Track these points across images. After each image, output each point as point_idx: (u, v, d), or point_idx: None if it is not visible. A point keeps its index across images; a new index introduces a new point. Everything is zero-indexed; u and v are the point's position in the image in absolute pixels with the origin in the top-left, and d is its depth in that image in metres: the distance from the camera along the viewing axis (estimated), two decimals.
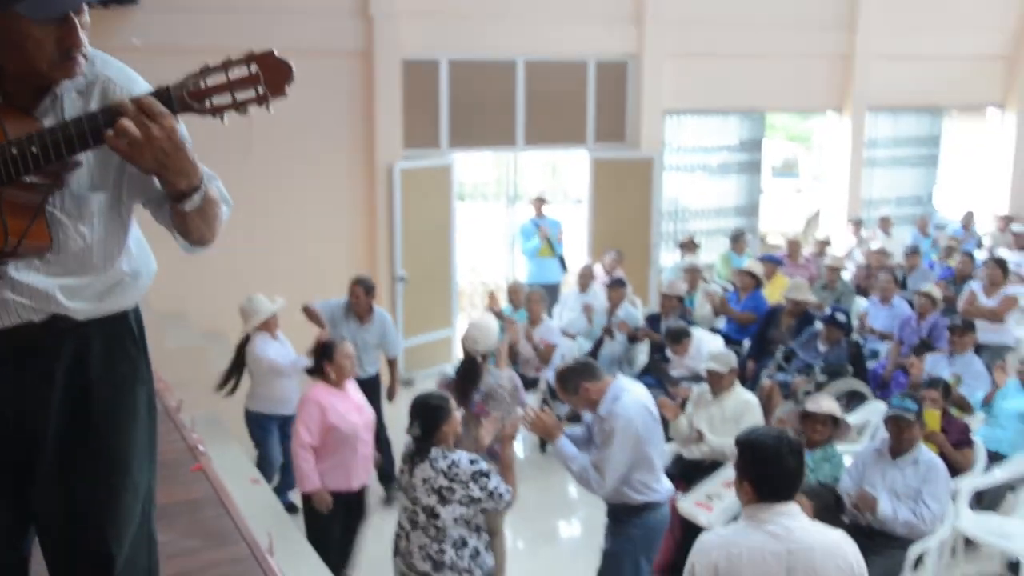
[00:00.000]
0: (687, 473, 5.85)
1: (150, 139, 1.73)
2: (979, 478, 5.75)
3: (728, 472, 5.70)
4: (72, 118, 1.80)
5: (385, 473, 6.71)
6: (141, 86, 1.95)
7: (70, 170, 1.87)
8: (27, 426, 1.98)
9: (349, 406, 5.20)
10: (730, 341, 8.40)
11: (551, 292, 9.31)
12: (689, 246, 10.59)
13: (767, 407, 6.99)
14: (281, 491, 6.34)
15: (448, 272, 9.69)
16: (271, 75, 1.76)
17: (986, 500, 5.99)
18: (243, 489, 5.00)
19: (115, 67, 1.97)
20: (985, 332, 7.92)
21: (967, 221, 12.76)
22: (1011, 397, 6.32)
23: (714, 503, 5.49)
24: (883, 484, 5.05)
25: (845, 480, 5.20)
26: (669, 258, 11.24)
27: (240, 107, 1.78)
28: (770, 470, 3.06)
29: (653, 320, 8.36)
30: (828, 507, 4.23)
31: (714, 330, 8.70)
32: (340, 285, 6.80)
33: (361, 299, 6.59)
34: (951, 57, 12.77)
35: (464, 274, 11.98)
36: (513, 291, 8.61)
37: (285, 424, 6.25)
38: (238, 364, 6.26)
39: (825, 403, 5.33)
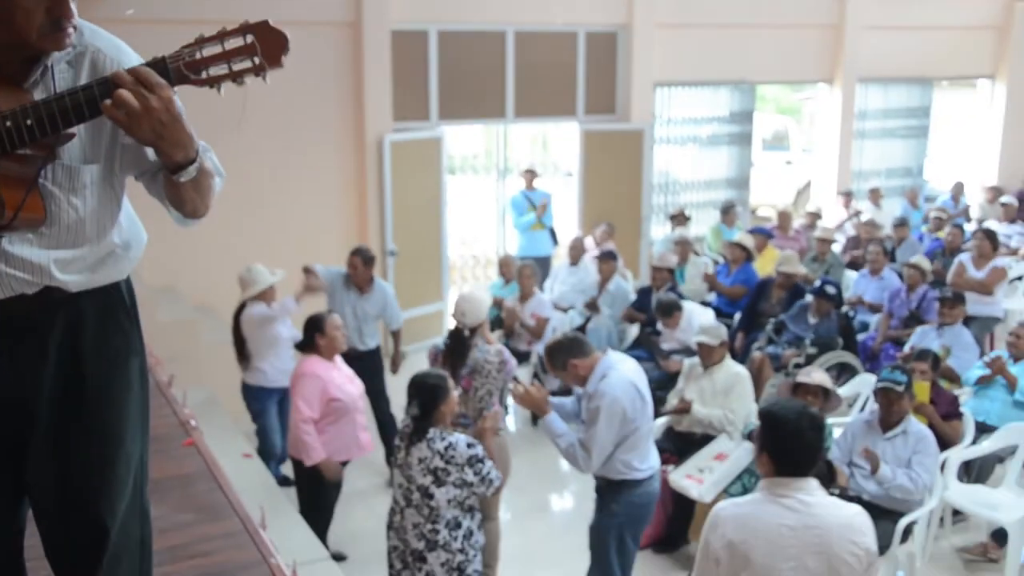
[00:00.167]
0: (678, 446, 5.88)
1: (148, 110, 1.72)
2: (967, 449, 5.80)
3: (719, 445, 5.73)
4: (68, 89, 1.78)
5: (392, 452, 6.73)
6: (131, 57, 1.93)
7: (64, 142, 1.85)
8: (20, 398, 1.98)
9: (344, 377, 5.31)
10: (721, 314, 8.42)
11: (542, 265, 9.31)
12: (680, 218, 10.58)
13: (758, 379, 7.02)
14: (275, 465, 6.34)
15: (439, 245, 9.67)
16: (267, 45, 1.74)
17: (974, 471, 6.04)
18: (235, 463, 5.01)
19: (105, 38, 1.95)
20: (974, 304, 7.95)
21: (957, 193, 12.78)
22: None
23: (704, 476, 5.52)
24: None
25: (835, 451, 5.24)
26: (660, 231, 11.24)
27: (236, 78, 1.77)
28: (790, 444, 3.06)
29: (644, 293, 8.37)
30: (820, 476, 4.24)
31: (705, 303, 8.72)
32: (330, 258, 6.79)
33: (359, 269, 6.53)
34: (941, 28, 12.74)
35: (455, 247, 11.96)
36: (504, 264, 8.60)
37: (284, 398, 6.22)
38: (238, 335, 6.25)
39: (816, 375, 5.35)
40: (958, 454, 5.72)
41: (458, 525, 4.17)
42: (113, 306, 2.07)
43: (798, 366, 6.87)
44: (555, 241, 10.24)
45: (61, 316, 1.98)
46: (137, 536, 2.20)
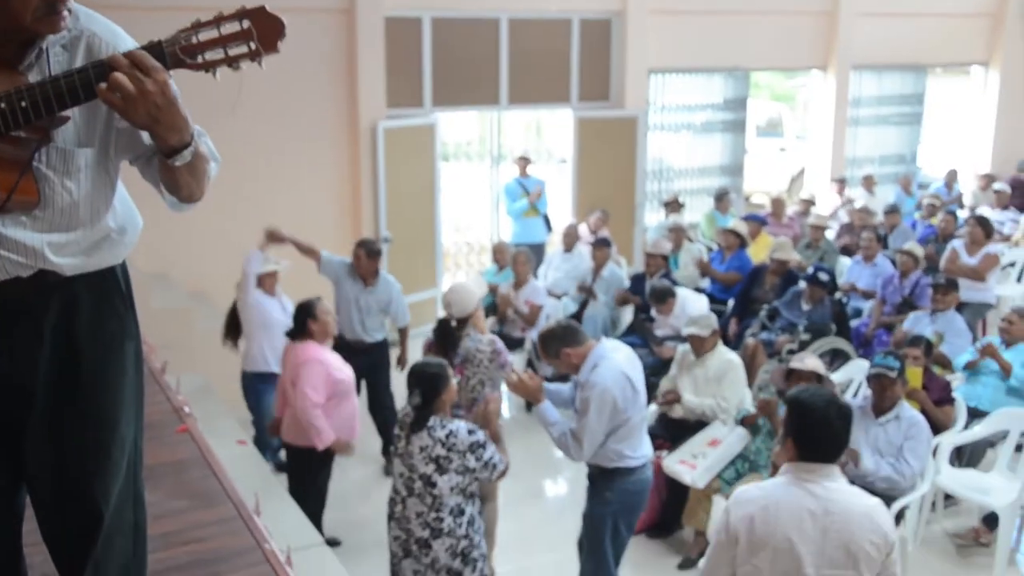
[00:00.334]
0: (672, 432, 5.89)
1: (143, 93, 1.72)
2: (959, 435, 5.83)
3: (712, 431, 5.75)
4: (63, 72, 1.78)
5: (388, 444, 6.75)
6: (126, 41, 1.93)
7: (58, 125, 1.85)
8: (16, 382, 1.99)
9: (338, 359, 5.40)
10: (715, 300, 8.43)
11: (536, 252, 9.30)
12: (673, 205, 10.58)
13: (751, 366, 7.03)
14: (268, 450, 6.33)
15: (433, 232, 9.66)
16: (263, 30, 1.74)
17: (966, 456, 6.07)
18: (229, 450, 5.01)
19: (100, 22, 1.95)
20: (967, 290, 7.99)
21: (950, 179, 12.80)
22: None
23: (698, 461, 5.53)
24: (866, 441, 5.11)
25: None
26: (654, 217, 11.24)
27: (232, 63, 1.77)
28: (816, 432, 3.06)
29: (638, 280, 8.37)
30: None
31: (699, 289, 8.73)
32: (323, 245, 6.74)
33: (362, 261, 6.48)
34: (935, 15, 12.74)
35: (448, 234, 11.95)
36: (499, 251, 8.60)
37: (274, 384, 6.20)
38: (234, 318, 6.27)
39: (810, 361, 5.36)
40: (950, 439, 5.75)
41: (461, 512, 4.17)
42: (108, 290, 2.07)
43: (791, 352, 6.89)
44: (549, 228, 10.23)
45: (56, 299, 1.98)
46: (131, 520, 2.21)
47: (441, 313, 5.72)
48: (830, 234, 10.14)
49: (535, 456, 6.87)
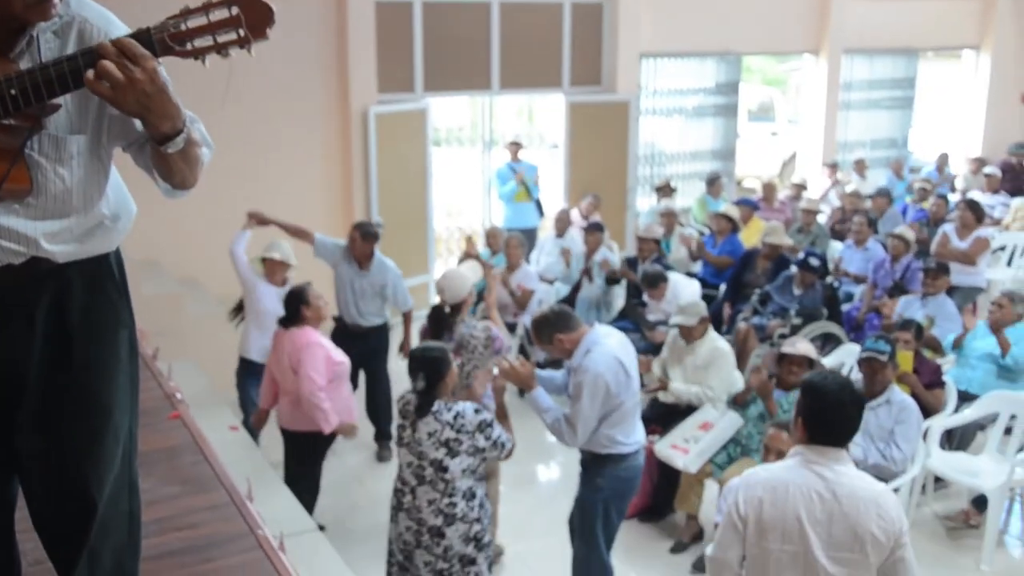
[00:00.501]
0: (663, 417, 5.91)
1: (132, 81, 1.71)
2: (949, 418, 5.85)
3: (704, 414, 5.77)
4: (52, 60, 1.77)
5: (382, 431, 6.76)
6: (119, 28, 1.92)
7: (49, 113, 1.84)
8: (8, 370, 1.98)
9: (332, 343, 5.44)
10: (706, 285, 8.44)
11: (528, 237, 9.30)
12: (665, 190, 10.58)
13: (743, 350, 7.05)
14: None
15: (424, 218, 9.65)
16: (252, 17, 1.73)
17: (956, 439, 6.10)
18: (221, 436, 5.01)
19: (92, 9, 1.93)
20: (957, 274, 8.01)
21: (941, 163, 12.82)
22: (980, 338, 6.41)
23: (690, 446, 5.55)
24: None
25: None
26: (645, 202, 11.24)
27: (221, 50, 1.75)
28: (828, 415, 3.06)
29: (630, 264, 8.38)
30: None
31: (691, 274, 8.74)
32: (315, 231, 6.73)
33: (357, 243, 6.41)
34: None
35: (440, 220, 11.93)
36: (491, 236, 8.59)
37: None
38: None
39: (801, 345, 5.38)
40: (940, 422, 5.78)
41: (473, 495, 4.16)
42: (101, 277, 2.07)
43: (783, 336, 6.91)
44: (541, 213, 10.22)
45: (48, 287, 1.98)
46: (126, 508, 2.21)
47: (433, 299, 5.72)
48: (821, 218, 10.16)
49: (527, 442, 6.83)
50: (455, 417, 4.09)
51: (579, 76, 10.43)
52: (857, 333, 7.67)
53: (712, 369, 5.89)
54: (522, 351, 7.54)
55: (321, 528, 5.39)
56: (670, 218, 9.41)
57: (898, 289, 7.91)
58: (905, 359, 5.84)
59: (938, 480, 5.99)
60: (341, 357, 5.32)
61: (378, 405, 6.72)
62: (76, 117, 1.91)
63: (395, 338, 6.90)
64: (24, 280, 1.94)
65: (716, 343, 6.00)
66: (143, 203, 2.27)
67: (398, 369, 6.40)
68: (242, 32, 1.73)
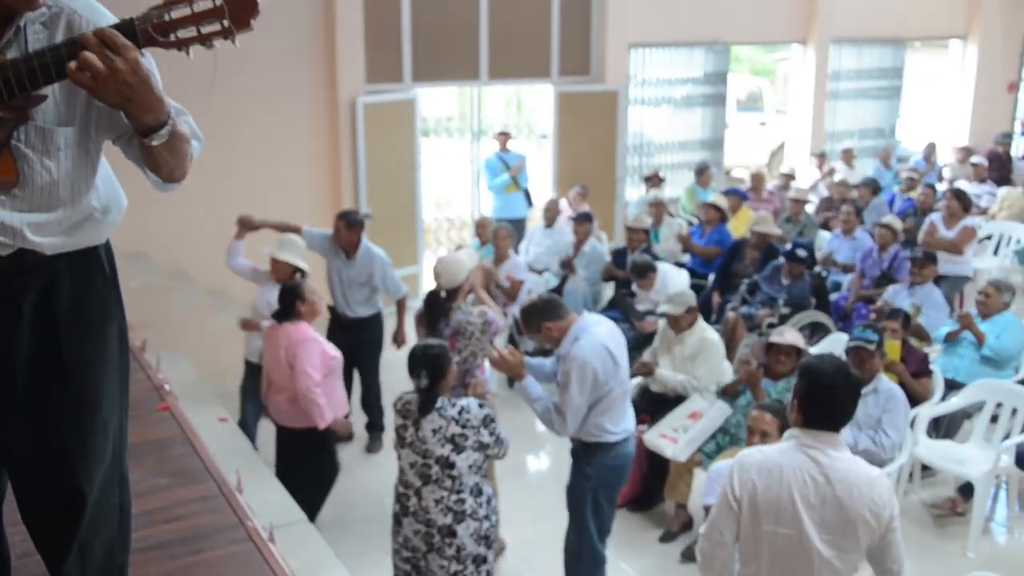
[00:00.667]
0: (653, 406, 5.92)
1: (113, 72, 1.70)
2: (936, 406, 5.89)
3: (693, 404, 5.78)
4: (36, 50, 1.76)
5: (373, 422, 6.75)
6: (107, 18, 1.90)
7: (35, 104, 1.83)
8: None
9: (326, 338, 5.43)
10: (695, 275, 8.46)
11: (517, 227, 9.28)
12: (654, 180, 10.59)
13: (732, 339, 7.08)
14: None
15: (413, 208, 9.63)
16: (236, 8, 1.72)
17: (943, 427, 6.14)
18: (210, 428, 5.01)
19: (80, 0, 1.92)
20: (944, 263, 8.04)
21: (928, 153, 12.85)
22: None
23: (679, 435, 5.57)
24: None
25: None
26: (634, 192, 11.24)
27: (205, 40, 1.74)
28: (822, 399, 3.08)
29: (619, 254, 8.38)
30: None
31: (679, 264, 8.75)
32: (303, 223, 6.70)
33: (342, 233, 6.36)
34: None
35: (429, 210, 11.90)
36: (481, 226, 8.58)
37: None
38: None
39: (789, 335, 5.40)
40: (927, 411, 5.81)
41: (480, 491, 4.14)
42: (91, 270, 2.06)
43: (772, 326, 6.93)
44: (530, 203, 10.22)
45: (36, 279, 1.97)
46: (116, 502, 2.21)
47: (423, 289, 5.71)
48: (810, 208, 10.18)
49: (517, 432, 6.83)
50: (460, 412, 4.07)
51: (568, 66, 10.42)
52: (845, 322, 7.70)
53: (700, 359, 5.90)
54: (511, 341, 7.55)
55: (311, 519, 5.40)
56: (659, 208, 9.42)
57: (886, 278, 7.94)
58: (893, 348, 5.87)
59: (925, 468, 6.02)
60: (335, 352, 5.31)
61: (369, 397, 6.71)
62: (64, 108, 1.90)
63: (389, 329, 6.88)
64: (11, 272, 1.93)
65: (705, 333, 6.01)
66: (130, 195, 2.26)
67: (393, 359, 6.38)
68: (226, 23, 1.73)
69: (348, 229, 6.38)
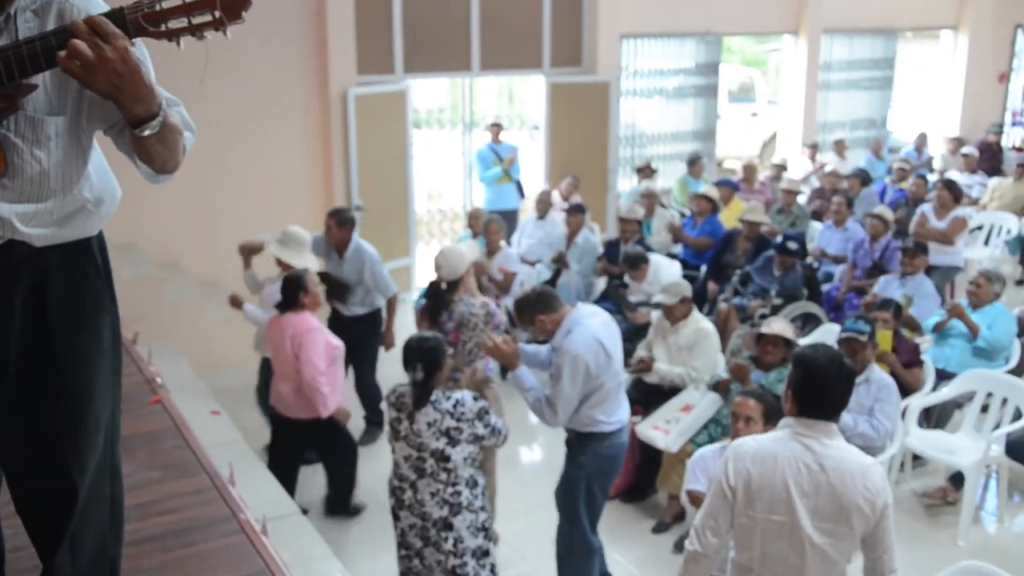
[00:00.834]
0: (646, 397, 5.93)
1: (103, 60, 1.69)
2: (927, 396, 5.91)
3: (686, 396, 5.80)
4: (26, 38, 1.75)
5: (369, 418, 6.75)
6: (98, 7, 1.89)
7: (25, 93, 1.82)
8: None
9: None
10: (687, 266, 8.47)
11: (509, 218, 9.28)
12: (646, 171, 10.58)
13: (724, 330, 7.08)
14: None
15: (406, 200, 9.61)
16: None
17: (934, 417, 6.17)
18: (203, 421, 5.00)
19: None
20: (935, 254, 8.06)
21: (920, 144, 12.87)
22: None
23: (671, 427, 5.58)
24: None
25: None
26: (626, 183, 11.24)
27: (196, 31, 1.74)
28: (815, 389, 3.09)
29: (611, 246, 8.38)
30: (776, 410, 4.28)
31: (671, 255, 8.76)
32: (295, 213, 6.71)
33: (332, 231, 6.34)
34: None
35: (421, 202, 11.89)
36: (473, 217, 8.57)
37: None
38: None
39: (777, 325, 5.41)
40: (919, 401, 5.83)
41: (475, 483, 4.14)
42: (82, 262, 2.04)
43: (764, 317, 6.93)
44: (522, 194, 10.21)
45: (27, 271, 1.95)
46: (108, 494, 2.20)
47: (416, 281, 5.70)
48: (802, 199, 10.19)
49: (511, 422, 6.87)
50: (455, 405, 4.07)
51: (560, 57, 10.39)
52: (837, 313, 7.72)
53: (696, 350, 5.90)
54: (505, 334, 7.53)
55: (304, 512, 5.40)
56: (651, 199, 9.42)
57: (877, 269, 7.96)
58: (884, 338, 5.89)
59: (916, 458, 6.05)
60: (337, 341, 5.38)
61: (366, 395, 6.71)
62: (55, 98, 1.88)
63: None
64: (2, 263, 1.92)
65: (700, 324, 6.01)
66: (120, 186, 2.25)
67: (391, 354, 6.37)
68: (217, 14, 1.72)
69: (339, 227, 6.36)
